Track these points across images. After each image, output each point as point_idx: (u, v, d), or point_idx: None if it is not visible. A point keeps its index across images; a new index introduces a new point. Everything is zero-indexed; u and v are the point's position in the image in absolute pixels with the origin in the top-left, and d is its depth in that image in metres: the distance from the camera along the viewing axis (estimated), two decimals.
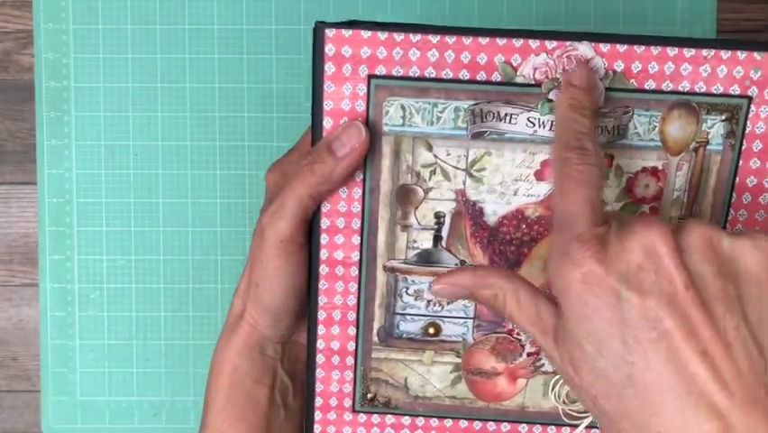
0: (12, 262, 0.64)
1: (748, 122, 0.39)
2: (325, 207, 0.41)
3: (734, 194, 0.40)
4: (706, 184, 0.40)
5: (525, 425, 0.45)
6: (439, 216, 0.41)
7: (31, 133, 0.63)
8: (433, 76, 0.39)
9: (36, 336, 0.65)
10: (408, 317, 0.43)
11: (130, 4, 0.61)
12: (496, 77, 0.39)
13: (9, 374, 0.65)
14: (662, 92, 0.39)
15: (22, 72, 0.63)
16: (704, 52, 0.38)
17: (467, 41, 0.38)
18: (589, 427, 0.44)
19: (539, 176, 0.40)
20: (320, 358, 0.44)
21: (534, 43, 0.38)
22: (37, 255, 0.63)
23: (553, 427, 0.45)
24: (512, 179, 0.40)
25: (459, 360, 0.44)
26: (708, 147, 0.40)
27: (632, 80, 0.39)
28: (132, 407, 0.63)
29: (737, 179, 0.40)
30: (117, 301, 0.62)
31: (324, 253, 0.42)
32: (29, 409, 0.65)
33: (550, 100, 0.39)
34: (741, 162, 0.40)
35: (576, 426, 0.44)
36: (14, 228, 0.64)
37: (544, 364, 0.44)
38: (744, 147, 0.40)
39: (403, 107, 0.39)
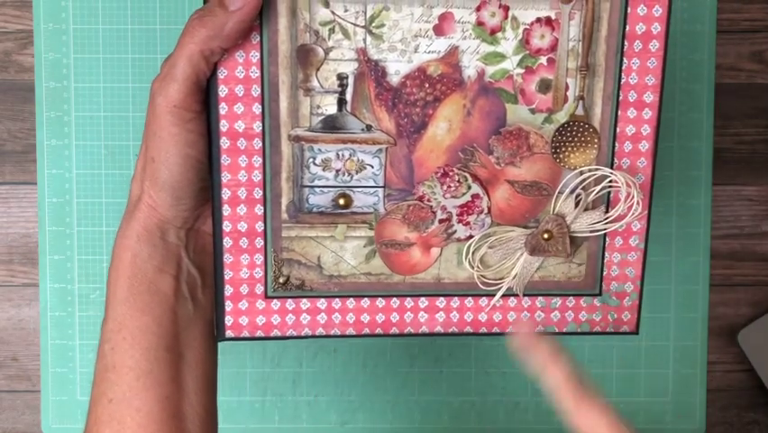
0: (12, 262, 0.64)
1: None
2: (222, 74, 0.38)
3: (625, 42, 0.40)
4: (598, 33, 0.40)
5: (442, 299, 0.43)
6: (342, 78, 0.40)
7: (31, 133, 0.63)
8: None
9: (36, 336, 0.65)
10: (318, 190, 0.41)
11: (130, 4, 0.61)
12: None
13: (9, 374, 0.65)
14: None
15: (22, 72, 0.63)
16: None
17: None
18: (506, 295, 0.43)
19: (438, 30, 0.39)
20: (227, 242, 0.41)
21: None
22: (37, 255, 0.63)
23: (470, 298, 0.43)
24: (412, 35, 0.39)
25: (372, 233, 0.42)
26: None
27: None
28: None
29: (627, 26, 0.40)
30: None
31: (223, 125, 0.39)
32: (29, 410, 0.65)
33: None
34: (629, 9, 0.40)
35: (492, 294, 0.43)
36: (14, 228, 0.64)
37: (456, 231, 0.42)
38: None
39: None
